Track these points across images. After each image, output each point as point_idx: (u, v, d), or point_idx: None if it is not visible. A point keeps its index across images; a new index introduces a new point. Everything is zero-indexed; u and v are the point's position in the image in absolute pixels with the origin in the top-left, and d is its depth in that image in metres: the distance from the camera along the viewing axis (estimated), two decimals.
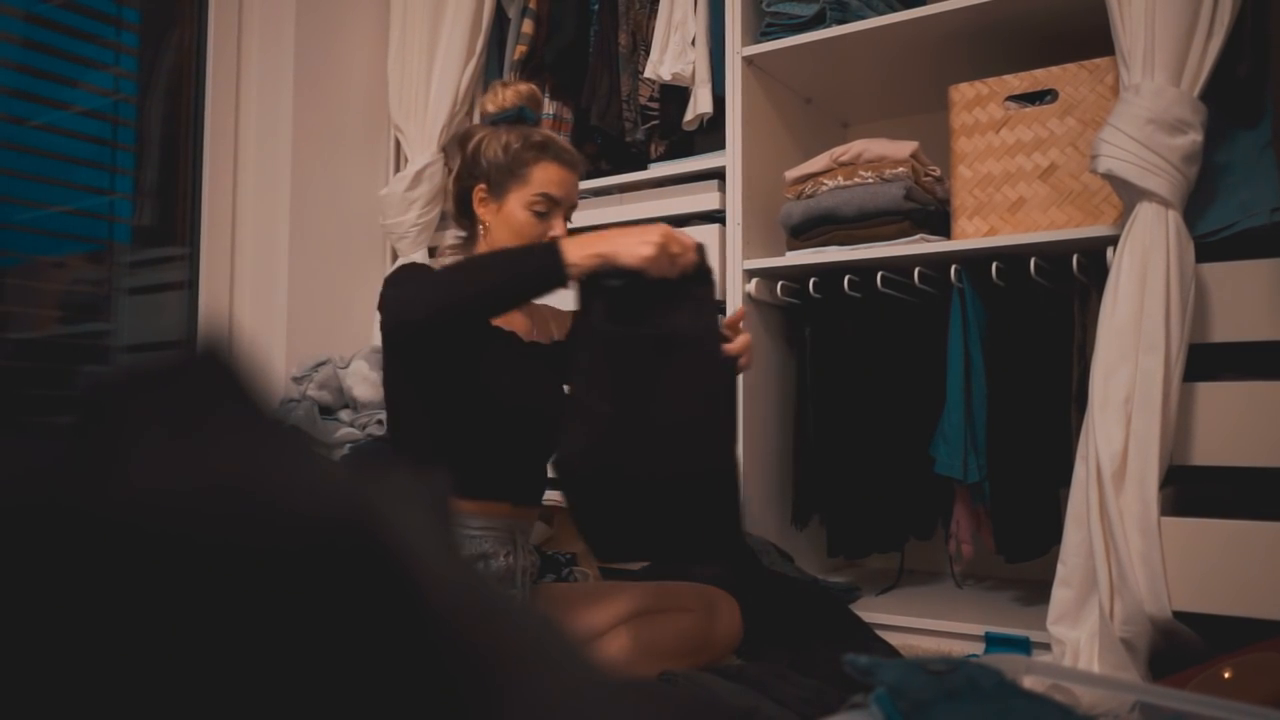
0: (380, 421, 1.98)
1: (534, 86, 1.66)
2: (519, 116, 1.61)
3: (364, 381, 2.08)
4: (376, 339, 2.41)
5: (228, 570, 0.24)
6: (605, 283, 1.35)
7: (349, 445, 1.97)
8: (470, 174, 1.60)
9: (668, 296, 1.36)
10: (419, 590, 0.25)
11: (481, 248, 1.60)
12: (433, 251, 2.48)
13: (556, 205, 1.56)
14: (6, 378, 2.05)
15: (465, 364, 1.46)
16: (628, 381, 1.33)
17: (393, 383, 1.53)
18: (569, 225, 1.59)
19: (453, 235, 1.70)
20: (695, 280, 1.37)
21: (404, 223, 2.42)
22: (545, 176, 1.56)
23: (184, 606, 0.23)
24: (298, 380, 2.16)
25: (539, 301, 1.53)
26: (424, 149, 2.43)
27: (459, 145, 1.65)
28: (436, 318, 1.33)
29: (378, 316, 1.41)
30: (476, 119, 2.46)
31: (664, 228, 1.35)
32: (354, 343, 2.39)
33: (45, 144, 2.13)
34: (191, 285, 2.32)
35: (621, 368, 1.34)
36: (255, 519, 0.24)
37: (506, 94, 1.62)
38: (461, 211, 1.64)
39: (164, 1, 2.34)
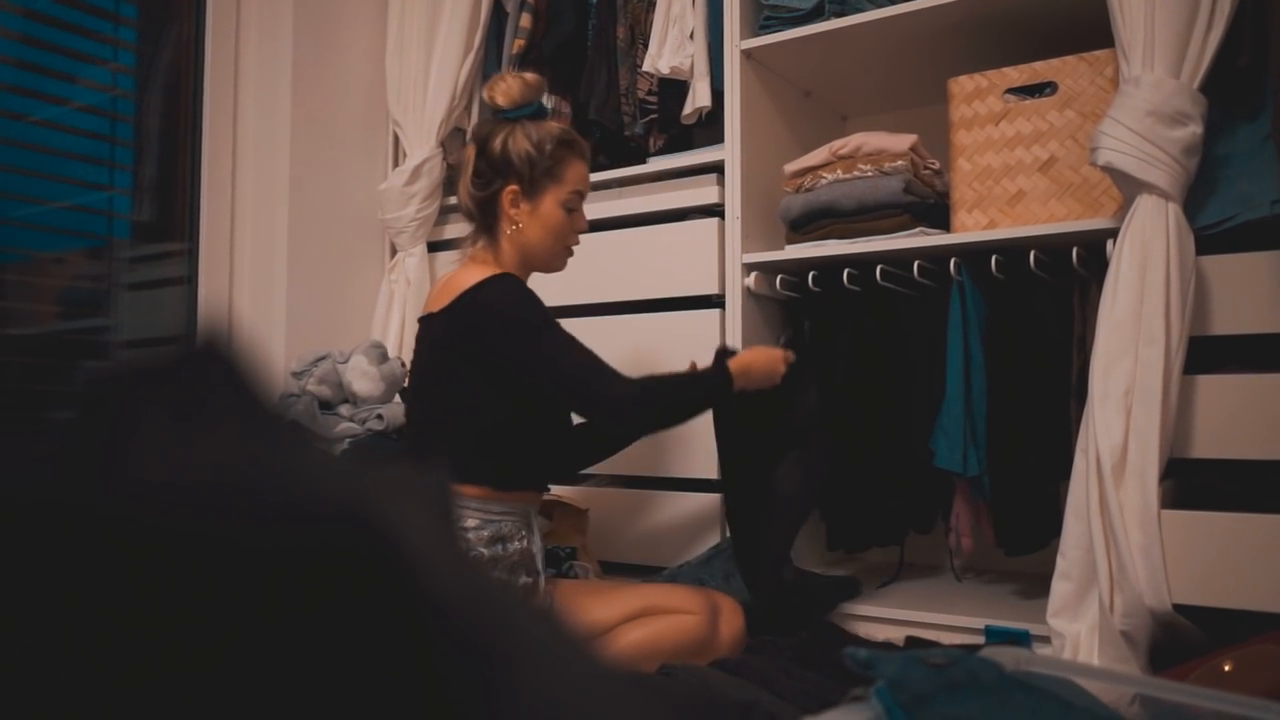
0: (380, 416, 1.97)
1: (539, 76, 1.67)
2: (538, 110, 1.61)
3: (363, 377, 2.07)
4: (377, 334, 2.41)
5: (227, 563, 0.24)
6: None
7: (349, 440, 1.97)
8: (498, 173, 1.60)
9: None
10: (419, 582, 0.25)
11: (506, 247, 1.61)
12: (432, 246, 2.48)
13: (583, 200, 1.66)
14: (6, 373, 2.05)
15: (513, 384, 1.56)
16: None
17: (452, 384, 1.56)
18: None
19: (469, 240, 1.69)
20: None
21: (403, 217, 2.42)
22: (577, 174, 1.62)
23: (183, 600, 0.23)
24: (297, 375, 2.16)
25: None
26: (422, 143, 2.42)
27: (478, 146, 1.63)
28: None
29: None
30: (475, 112, 2.48)
31: (783, 354, 1.72)
32: (353, 338, 2.39)
33: (44, 140, 2.13)
34: (191, 280, 2.31)
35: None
36: (255, 513, 0.24)
37: (515, 86, 1.60)
38: (485, 213, 1.63)
39: None
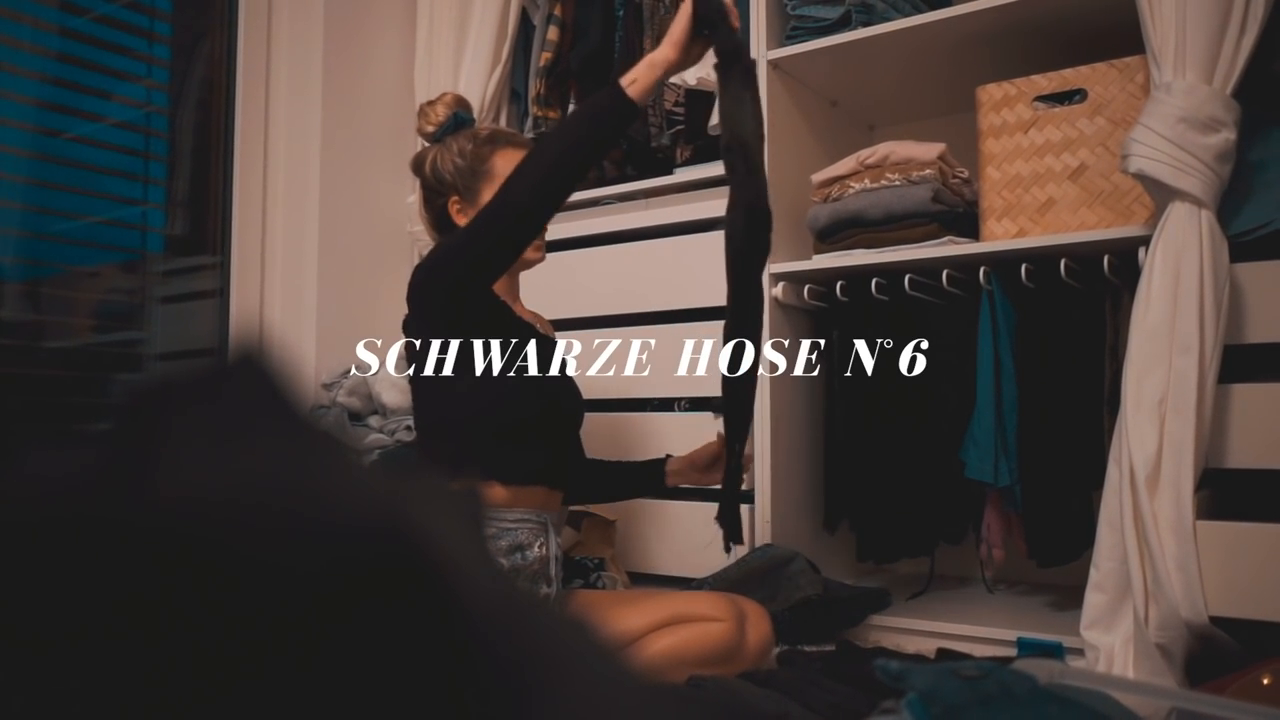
0: (409, 427, 1.99)
1: (458, 94, 1.75)
2: (456, 123, 1.67)
3: (393, 388, 2.09)
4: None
5: (264, 577, 0.24)
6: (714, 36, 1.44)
7: (378, 451, 1.98)
8: (437, 192, 1.69)
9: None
10: (456, 595, 0.25)
11: None
12: None
13: None
14: (43, 386, 2.08)
15: (499, 347, 1.54)
16: None
17: (423, 375, 1.56)
18: None
19: None
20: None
21: None
22: (507, 163, 1.61)
23: (221, 614, 0.24)
24: (327, 387, 2.18)
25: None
26: None
27: (415, 173, 1.73)
28: (541, 197, 1.40)
29: (419, 297, 1.52)
30: (503, 124, 2.50)
31: (681, 12, 1.43)
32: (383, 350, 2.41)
33: (79, 156, 2.16)
34: (223, 293, 2.34)
35: None
36: (291, 526, 0.24)
37: (437, 109, 1.70)
38: (442, 231, 1.72)
39: (194, 14, 2.38)
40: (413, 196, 2.47)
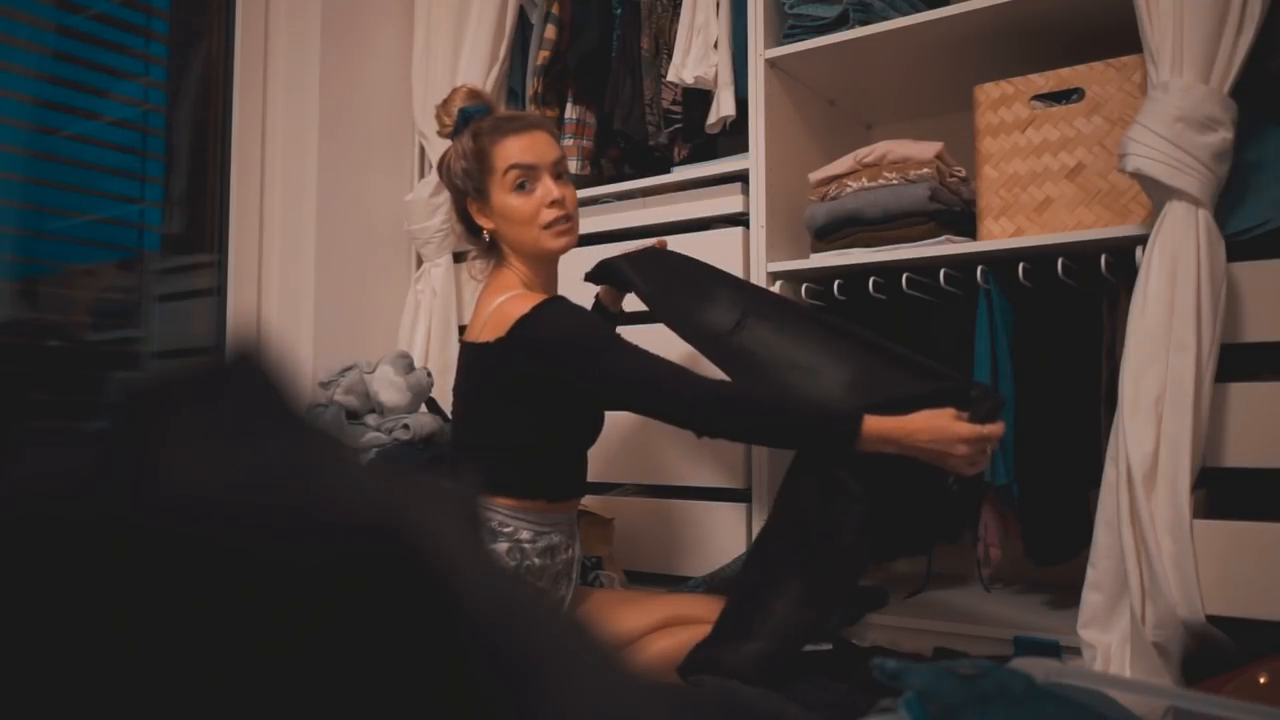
0: (406, 426, 1.98)
1: (469, 86, 1.68)
2: (465, 118, 1.62)
3: (390, 386, 2.09)
4: (403, 344, 2.42)
5: (260, 576, 0.24)
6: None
7: (375, 450, 1.98)
8: (457, 195, 1.64)
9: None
10: (453, 594, 0.25)
11: (505, 254, 1.63)
12: (458, 257, 2.50)
13: (532, 170, 1.56)
14: (41, 384, 2.08)
15: (568, 400, 1.55)
16: None
17: (508, 410, 1.56)
18: (563, 184, 1.60)
19: (473, 253, 1.73)
20: None
21: (428, 228, 2.44)
22: (506, 151, 1.56)
23: (216, 613, 0.24)
24: (324, 385, 2.17)
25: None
26: None
27: (443, 175, 1.68)
28: (735, 436, 1.48)
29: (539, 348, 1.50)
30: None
31: (973, 430, 1.34)
32: (380, 348, 2.40)
33: (76, 154, 2.16)
34: (220, 291, 2.34)
35: None
36: (288, 525, 0.24)
37: (449, 108, 1.64)
38: (472, 231, 1.67)
39: (192, 13, 2.37)
40: (410, 195, 2.48)
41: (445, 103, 1.65)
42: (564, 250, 1.62)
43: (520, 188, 1.55)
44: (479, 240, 1.66)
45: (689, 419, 1.44)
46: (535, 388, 1.52)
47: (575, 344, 1.48)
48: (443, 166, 1.65)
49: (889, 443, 1.36)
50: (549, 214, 1.56)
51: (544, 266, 1.64)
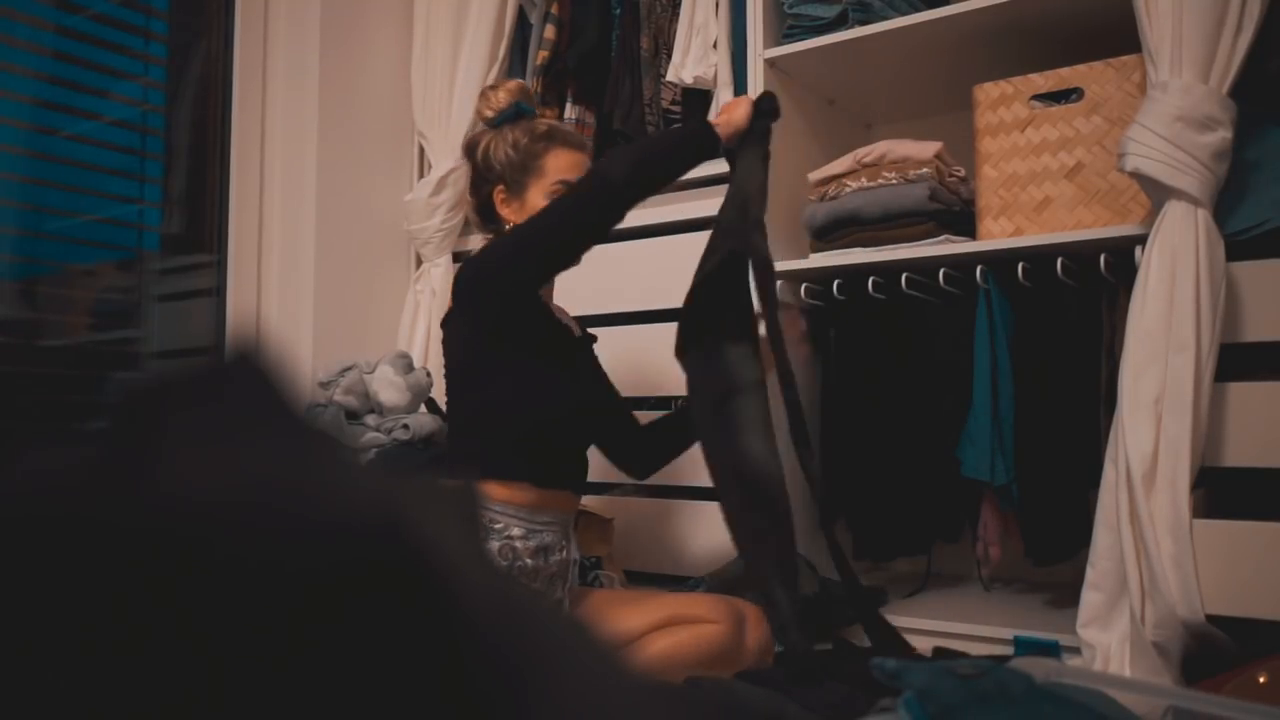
0: (406, 426, 1.98)
1: (522, 82, 1.74)
2: (517, 113, 1.65)
3: (390, 386, 2.08)
4: (403, 344, 2.42)
5: (259, 576, 0.24)
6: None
7: (375, 450, 1.98)
8: (485, 179, 1.68)
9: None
10: (452, 593, 0.25)
11: None
12: (457, 257, 2.50)
13: None
14: (39, 384, 2.08)
15: (537, 353, 1.57)
16: None
17: (464, 372, 1.59)
18: None
19: (480, 240, 1.75)
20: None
21: (428, 228, 2.44)
22: (558, 163, 1.63)
23: (215, 614, 0.24)
24: (324, 385, 2.17)
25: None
26: (447, 155, 2.44)
27: (467, 155, 1.72)
28: (622, 197, 1.50)
29: (460, 298, 1.55)
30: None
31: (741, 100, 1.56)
32: (379, 348, 2.40)
33: (76, 154, 2.16)
34: (219, 292, 2.34)
35: None
36: (288, 525, 0.24)
37: (499, 95, 1.69)
38: (486, 218, 1.71)
39: (191, 13, 2.37)
40: (410, 195, 2.47)
41: (496, 89, 1.70)
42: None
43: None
44: (491, 227, 1.71)
45: (590, 196, 1.49)
46: (485, 336, 1.55)
47: (482, 255, 1.54)
48: (479, 146, 1.68)
49: (725, 123, 1.54)
50: None
51: None
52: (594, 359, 1.79)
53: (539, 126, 1.66)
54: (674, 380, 2.05)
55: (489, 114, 1.69)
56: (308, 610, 0.24)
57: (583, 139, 1.71)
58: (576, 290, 1.86)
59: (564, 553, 1.60)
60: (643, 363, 2.06)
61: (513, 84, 1.71)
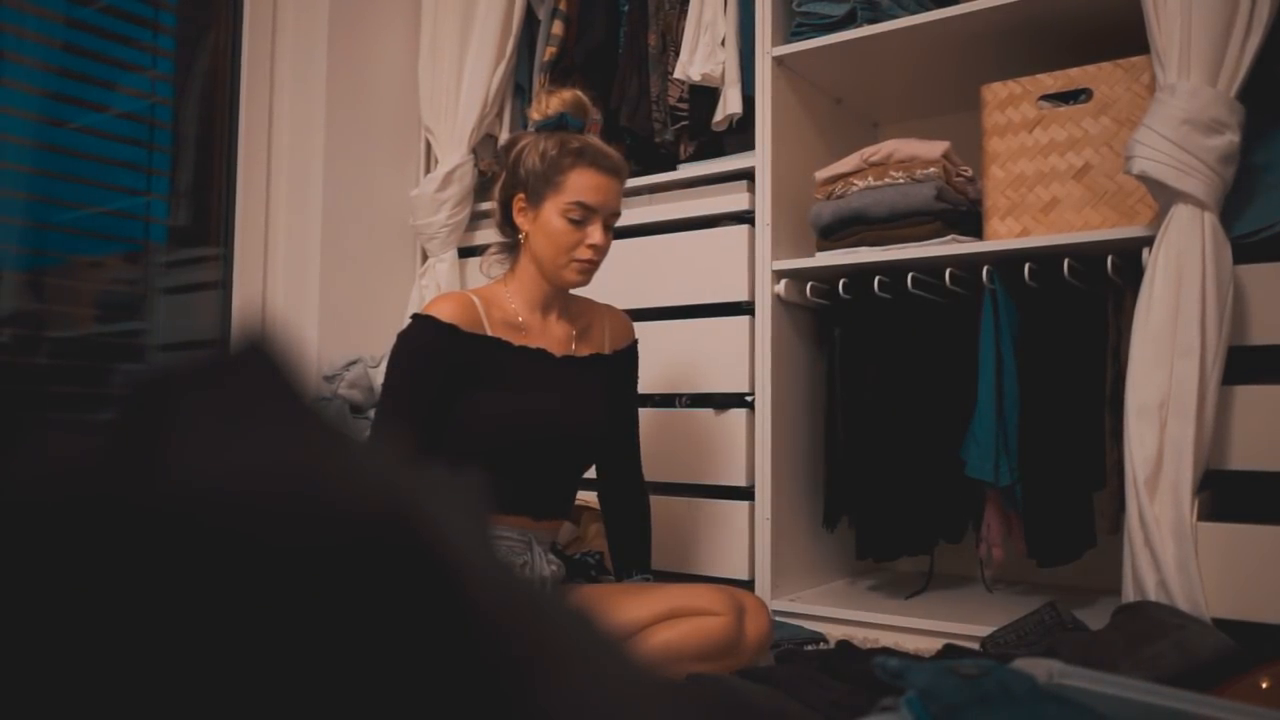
0: None
1: (579, 93, 1.67)
2: (560, 123, 1.61)
3: None
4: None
5: (269, 564, 0.24)
6: None
7: None
8: (511, 183, 1.64)
9: None
10: (460, 584, 0.25)
11: (522, 259, 1.64)
12: (463, 252, 2.50)
13: (593, 213, 1.59)
14: (46, 376, 2.08)
15: (481, 383, 1.55)
16: None
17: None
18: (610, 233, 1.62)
19: (495, 244, 1.73)
20: None
21: (434, 223, 2.44)
22: (580, 183, 1.57)
23: (225, 601, 0.24)
24: (329, 379, 2.18)
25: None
26: (454, 150, 2.44)
27: (505, 154, 1.67)
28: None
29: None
30: (506, 119, 2.50)
31: None
32: (384, 342, 2.40)
33: (83, 146, 2.16)
34: (225, 285, 2.34)
35: None
36: (297, 513, 0.24)
37: (551, 101, 1.64)
38: (505, 220, 1.68)
39: (199, 6, 2.37)
40: (416, 190, 2.48)
41: (553, 94, 1.65)
42: (575, 288, 1.66)
43: (572, 220, 1.58)
44: (507, 230, 1.67)
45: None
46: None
47: (391, 357, 1.59)
48: (515, 147, 1.64)
49: None
50: (584, 253, 1.60)
51: (549, 288, 1.65)
52: (590, 378, 1.68)
53: (573, 141, 1.59)
54: (687, 378, 2.05)
55: (536, 117, 1.64)
56: (316, 596, 0.24)
57: (618, 163, 1.62)
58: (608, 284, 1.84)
59: (525, 569, 1.55)
60: (666, 358, 2.06)
61: (568, 93, 1.65)
